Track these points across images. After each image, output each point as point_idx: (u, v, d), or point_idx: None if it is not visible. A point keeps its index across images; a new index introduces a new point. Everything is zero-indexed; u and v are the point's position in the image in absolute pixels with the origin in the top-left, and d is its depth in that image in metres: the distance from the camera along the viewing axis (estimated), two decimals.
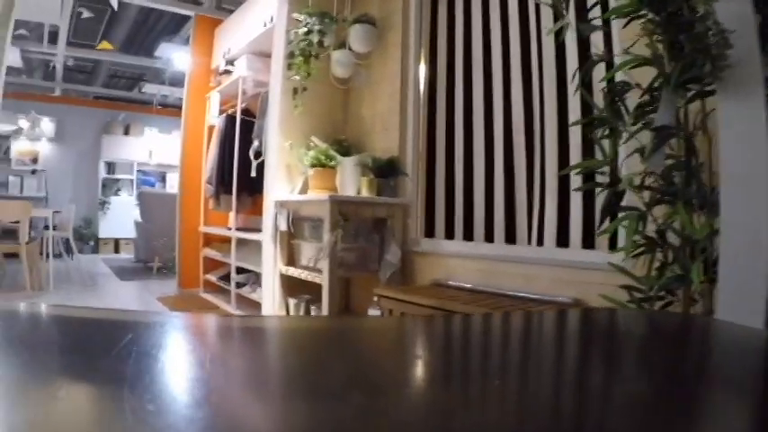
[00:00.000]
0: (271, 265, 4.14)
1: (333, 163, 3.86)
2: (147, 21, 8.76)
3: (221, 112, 5.95)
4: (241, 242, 5.17)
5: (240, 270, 5.17)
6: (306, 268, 3.87)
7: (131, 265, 9.65)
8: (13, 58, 8.97)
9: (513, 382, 0.66)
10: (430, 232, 3.91)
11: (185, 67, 6.79)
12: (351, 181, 3.88)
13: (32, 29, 8.51)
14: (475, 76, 3.69)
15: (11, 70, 9.97)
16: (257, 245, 4.47)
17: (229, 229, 5.41)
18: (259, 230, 4.45)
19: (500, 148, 3.50)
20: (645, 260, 2.04)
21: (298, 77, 3.89)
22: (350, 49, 4.08)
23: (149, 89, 11.30)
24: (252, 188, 5.27)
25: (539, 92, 3.28)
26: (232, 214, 5.38)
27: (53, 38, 8.61)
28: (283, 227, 3.96)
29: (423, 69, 4.03)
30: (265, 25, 4.89)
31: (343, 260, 3.63)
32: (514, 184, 3.44)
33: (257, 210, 4.88)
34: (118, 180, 12.29)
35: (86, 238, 11.62)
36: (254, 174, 4.86)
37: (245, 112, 5.46)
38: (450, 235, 3.79)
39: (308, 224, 3.96)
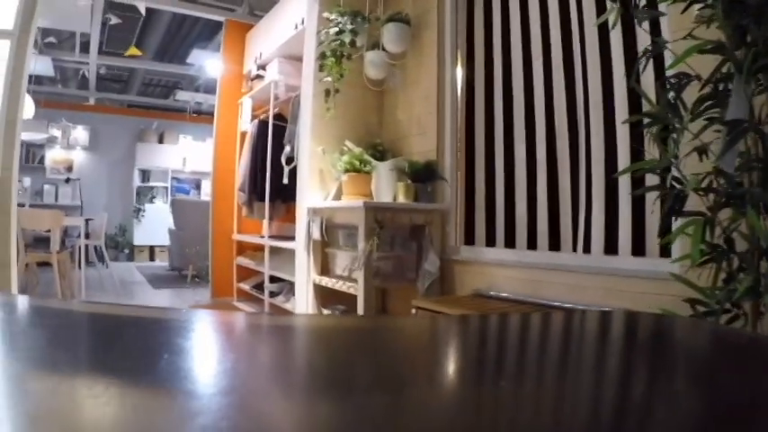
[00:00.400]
0: (304, 275, 3.99)
1: (367, 168, 3.69)
2: (181, 29, 8.78)
3: (253, 117, 5.85)
4: (275, 250, 5.06)
5: (274, 279, 5.05)
6: (340, 278, 3.69)
7: (165, 272, 9.63)
8: (46, 67, 9.03)
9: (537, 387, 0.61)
10: (469, 239, 3.74)
11: (217, 73, 6.72)
12: (386, 186, 3.71)
13: (65, 38, 8.58)
14: (515, 74, 3.52)
15: (45, 79, 10.10)
16: (291, 253, 4.34)
17: (262, 237, 5.30)
18: (293, 238, 4.32)
19: (542, 150, 3.33)
20: (709, 270, 1.86)
21: (330, 79, 3.74)
22: (383, 49, 3.93)
23: (183, 96, 11.32)
24: (285, 195, 5.15)
25: (582, 89, 3.11)
26: (265, 222, 5.26)
27: (87, 47, 8.65)
28: (316, 235, 3.80)
29: (460, 69, 3.86)
30: (296, 28, 4.79)
31: (379, 269, 3.45)
32: (558, 188, 3.26)
33: (291, 217, 4.77)
34: (152, 188, 12.31)
35: (121, 246, 11.70)
36: (286, 180, 4.73)
37: (278, 117, 5.36)
38: (490, 242, 3.62)
39: (343, 232, 3.80)
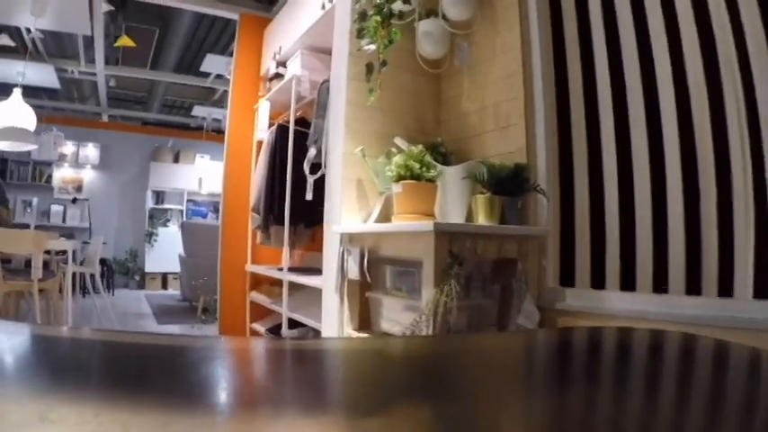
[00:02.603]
0: (334, 326, 2.79)
1: (431, 174, 2.45)
2: (203, 46, 8.18)
3: (271, 124, 4.84)
4: (296, 286, 3.97)
5: (294, 323, 3.95)
6: (390, 337, 2.47)
7: (176, 303, 8.75)
8: (49, 77, 8.44)
9: None
10: (567, 278, 2.61)
11: (230, 76, 5.73)
12: (458, 202, 2.55)
13: (75, 53, 8.06)
14: (624, 38, 2.45)
15: (59, 95, 9.43)
16: (317, 290, 3.23)
17: (281, 269, 4.22)
18: (319, 271, 3.20)
19: (673, 146, 2.27)
20: None
21: (373, 47, 2.60)
22: (443, 17, 2.83)
23: (199, 112, 10.53)
24: (310, 216, 4.09)
25: (734, 45, 2.06)
26: (285, 250, 4.17)
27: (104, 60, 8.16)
28: (354, 273, 2.59)
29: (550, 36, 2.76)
30: (323, 8, 3.78)
31: (450, 326, 2.19)
32: (699, 200, 2.19)
33: (317, 245, 3.70)
34: (167, 210, 11.57)
35: (132, 272, 10.85)
36: (309, 196, 3.59)
37: (301, 122, 4.34)
38: (597, 282, 2.50)
39: (393, 269, 2.57)
